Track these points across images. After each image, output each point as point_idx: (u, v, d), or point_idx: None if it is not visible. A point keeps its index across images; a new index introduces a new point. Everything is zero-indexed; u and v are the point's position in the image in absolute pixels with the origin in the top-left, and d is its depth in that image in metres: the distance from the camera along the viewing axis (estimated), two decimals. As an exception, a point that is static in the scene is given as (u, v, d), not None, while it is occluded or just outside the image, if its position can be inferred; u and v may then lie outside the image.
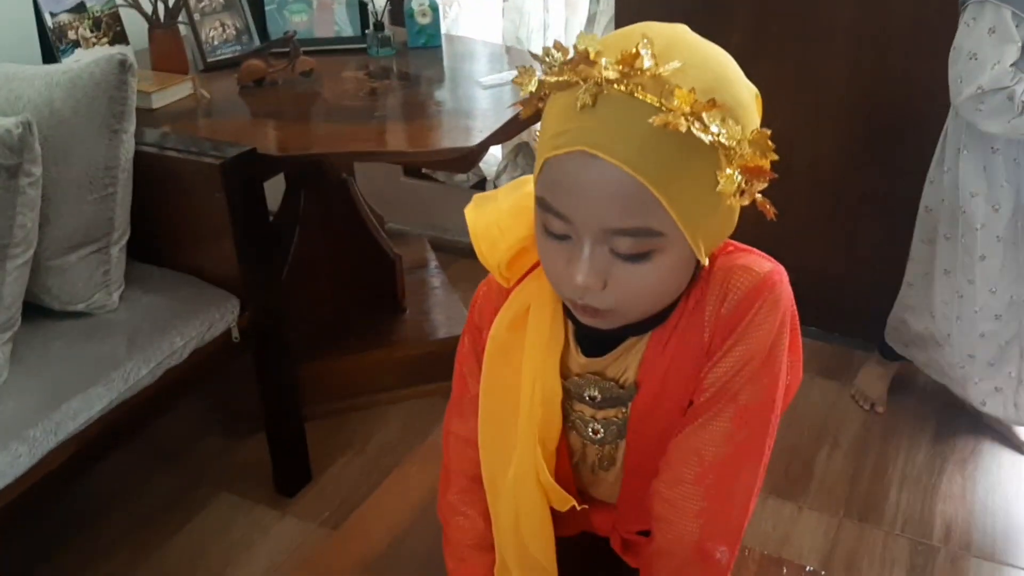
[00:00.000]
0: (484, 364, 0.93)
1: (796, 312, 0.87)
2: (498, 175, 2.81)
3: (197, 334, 1.67)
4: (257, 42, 2.35)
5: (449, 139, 1.93)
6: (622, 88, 0.70)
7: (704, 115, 0.69)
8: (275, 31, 2.38)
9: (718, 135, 0.70)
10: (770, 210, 0.76)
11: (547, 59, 0.75)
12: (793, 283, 0.86)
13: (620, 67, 0.70)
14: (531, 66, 0.78)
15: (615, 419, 0.92)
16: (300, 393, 1.97)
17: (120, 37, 2.18)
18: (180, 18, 2.18)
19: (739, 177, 0.72)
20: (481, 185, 2.91)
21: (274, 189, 2.21)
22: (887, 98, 2.20)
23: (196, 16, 2.25)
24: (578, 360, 0.90)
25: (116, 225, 1.67)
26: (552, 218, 0.75)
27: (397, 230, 2.92)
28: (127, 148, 1.65)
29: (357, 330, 2.35)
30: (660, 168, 0.70)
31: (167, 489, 2.03)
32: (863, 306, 2.37)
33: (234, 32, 2.33)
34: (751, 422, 0.86)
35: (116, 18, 2.17)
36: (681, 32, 0.76)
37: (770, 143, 0.72)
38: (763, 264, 0.85)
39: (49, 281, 1.63)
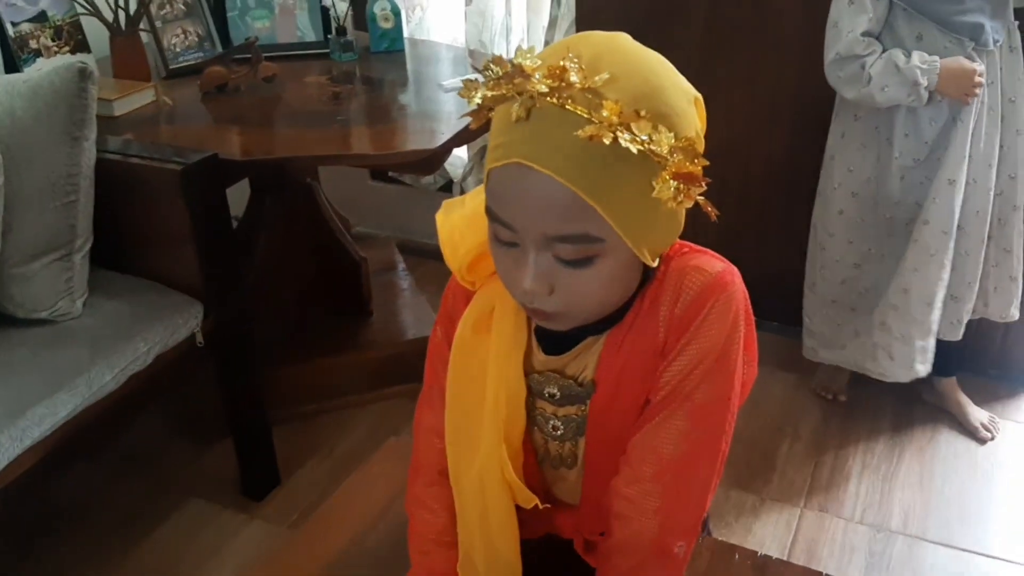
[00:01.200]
0: (450, 362, 0.94)
1: (750, 310, 0.89)
2: (464, 177, 2.83)
3: (161, 339, 1.68)
4: (219, 48, 2.36)
5: (413, 141, 1.95)
6: (553, 101, 0.72)
7: (632, 125, 0.71)
8: (237, 37, 2.39)
9: (648, 143, 0.72)
10: (712, 212, 0.78)
11: (487, 73, 0.77)
12: (752, 279, 0.88)
13: (550, 80, 0.72)
14: (477, 79, 0.79)
15: (575, 416, 0.94)
16: (267, 397, 1.99)
17: (81, 46, 2.18)
18: (142, 25, 2.19)
19: (674, 183, 0.74)
20: (448, 187, 2.93)
21: (239, 194, 2.22)
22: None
23: (158, 23, 2.26)
24: (539, 358, 0.92)
25: (79, 232, 1.68)
26: (499, 226, 0.78)
27: (364, 233, 2.93)
28: (89, 155, 1.66)
29: (323, 334, 2.36)
30: (593, 177, 0.72)
31: (134, 496, 2.03)
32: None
33: (196, 39, 2.34)
34: (707, 419, 0.88)
35: (77, 27, 2.18)
36: (618, 42, 0.78)
37: (698, 149, 0.74)
38: (715, 264, 0.87)
39: (12, 289, 1.63)
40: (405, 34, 2.51)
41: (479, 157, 2.79)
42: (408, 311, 2.52)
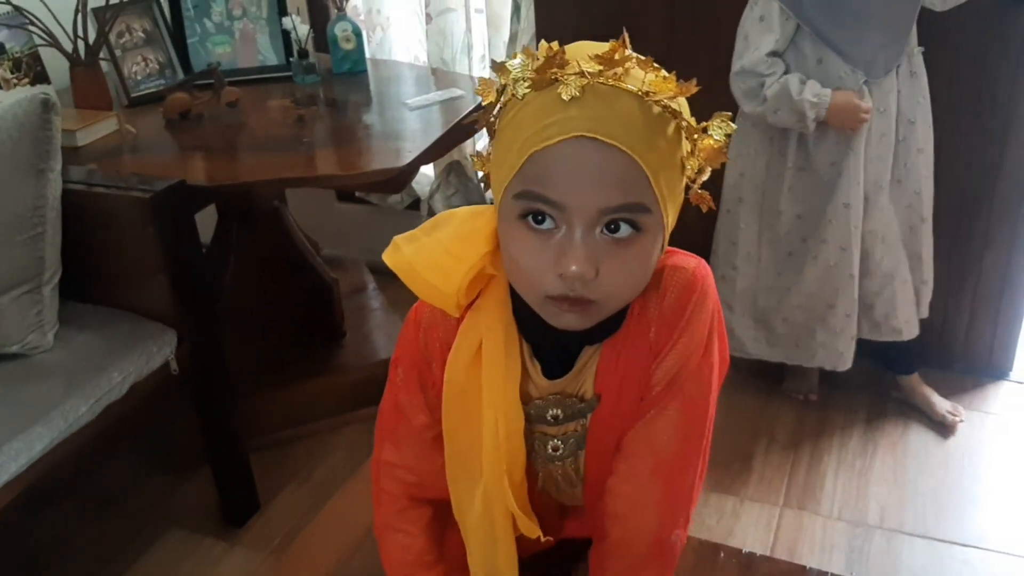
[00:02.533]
0: (444, 406, 0.93)
1: (719, 301, 0.93)
2: (431, 195, 2.84)
3: (135, 368, 1.67)
4: (181, 75, 2.35)
5: (379, 161, 1.96)
6: (607, 80, 0.75)
7: (671, 102, 0.77)
8: (198, 63, 2.38)
9: (686, 118, 0.79)
10: (707, 200, 0.82)
11: (515, 64, 0.79)
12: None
13: (600, 65, 0.76)
14: (490, 77, 0.82)
15: (573, 432, 0.94)
16: (243, 424, 1.97)
17: (41, 77, 2.17)
18: (101, 55, 2.18)
19: (699, 161, 0.80)
20: (415, 205, 2.94)
21: (207, 220, 2.21)
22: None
23: (118, 52, 2.25)
24: (539, 384, 0.92)
25: (47, 265, 1.66)
26: (541, 208, 0.76)
27: (334, 255, 2.93)
28: (54, 187, 1.65)
29: (297, 358, 2.35)
30: (648, 147, 0.75)
31: (114, 530, 2.00)
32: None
33: (157, 66, 2.34)
34: (696, 409, 0.92)
35: (36, 58, 2.16)
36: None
37: (731, 124, 0.81)
38: (689, 261, 0.90)
39: (-20, 324, 1.61)
40: (367, 55, 2.52)
41: (446, 175, 2.81)
42: (380, 332, 2.52)
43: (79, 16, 2.12)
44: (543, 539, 0.97)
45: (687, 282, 0.88)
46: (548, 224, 0.77)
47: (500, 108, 0.82)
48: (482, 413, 0.91)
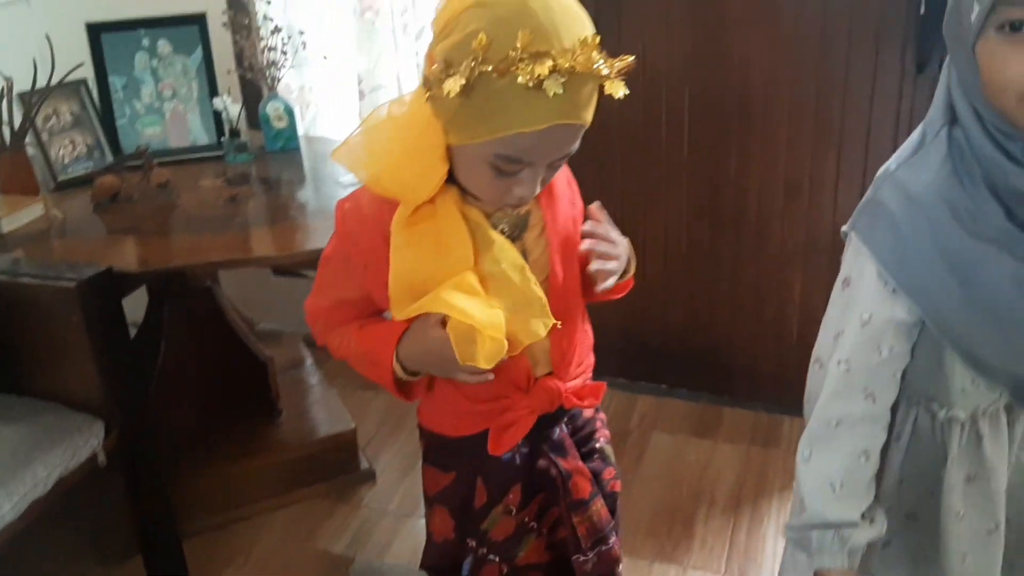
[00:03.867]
0: (394, 254, 1.08)
1: None
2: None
3: (61, 462, 1.63)
4: (110, 157, 2.34)
5: (314, 239, 1.95)
6: (576, 67, 0.95)
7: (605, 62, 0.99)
8: (128, 145, 2.37)
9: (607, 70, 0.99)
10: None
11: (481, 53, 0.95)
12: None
13: (578, 57, 0.95)
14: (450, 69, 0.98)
15: (522, 254, 1.13)
16: (177, 509, 1.93)
17: (-36, 163, 2.14)
18: (27, 139, 2.16)
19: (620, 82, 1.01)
20: (351, 278, 2.92)
21: (138, 299, 2.18)
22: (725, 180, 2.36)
23: (44, 136, 2.23)
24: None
25: (-32, 358, 1.62)
26: (513, 164, 1.01)
27: (270, 330, 2.90)
28: (-24, 278, 1.62)
29: (232, 438, 2.31)
30: (592, 113, 1.02)
31: (40, 627, 1.93)
32: (728, 362, 2.50)
33: (85, 149, 2.32)
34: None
35: (-42, 144, 2.13)
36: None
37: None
38: None
39: None
40: (300, 132, 2.53)
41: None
42: (319, 407, 2.49)
43: (3, 102, 2.10)
44: (505, 344, 1.09)
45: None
46: (517, 169, 1.02)
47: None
48: (440, 250, 1.08)
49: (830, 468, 1.09)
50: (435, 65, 0.99)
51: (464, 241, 1.08)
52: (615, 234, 1.18)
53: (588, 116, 1.00)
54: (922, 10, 1.99)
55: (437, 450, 1.32)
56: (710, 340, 2.52)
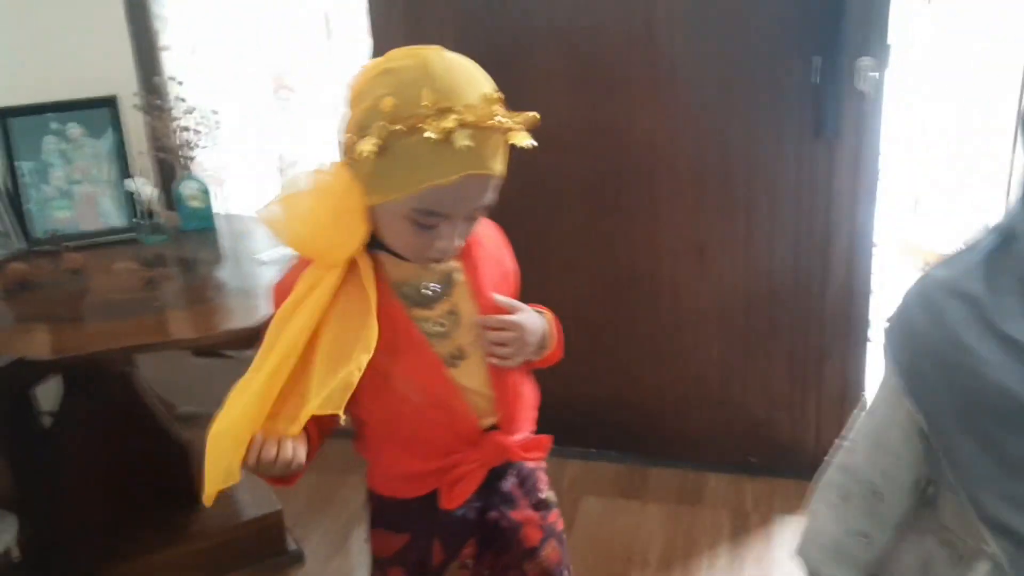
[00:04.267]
0: (281, 322, 1.19)
1: None
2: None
3: (-29, 563, 1.56)
4: (19, 243, 2.28)
5: (233, 320, 1.94)
6: (482, 122, 1.02)
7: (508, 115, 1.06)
8: (37, 230, 2.32)
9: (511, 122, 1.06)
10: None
11: (395, 115, 1.02)
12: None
13: (481, 111, 1.02)
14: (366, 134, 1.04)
15: (452, 311, 1.18)
16: (96, 606, 1.85)
17: None
18: (-70, 227, 2.10)
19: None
20: (273, 356, 2.89)
21: (52, 386, 2.11)
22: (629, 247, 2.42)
23: (-51, 223, 2.17)
24: (403, 270, 1.16)
25: None
26: (431, 218, 1.07)
27: (192, 412, 2.82)
28: None
29: (154, 526, 2.23)
30: (504, 165, 1.08)
31: None
32: (653, 422, 2.54)
33: (-7, 236, 2.26)
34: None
35: None
36: (454, 60, 1.07)
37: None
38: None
39: None
40: (216, 210, 2.52)
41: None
42: (242, 489, 2.43)
43: (-95, 190, 2.04)
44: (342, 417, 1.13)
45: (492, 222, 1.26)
46: (435, 223, 1.08)
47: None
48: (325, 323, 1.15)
49: (831, 528, 1.09)
50: (350, 132, 1.07)
51: (365, 309, 1.12)
52: (521, 316, 1.21)
53: (498, 167, 1.07)
54: (817, 80, 2.11)
55: (388, 513, 1.31)
56: (635, 401, 2.55)
